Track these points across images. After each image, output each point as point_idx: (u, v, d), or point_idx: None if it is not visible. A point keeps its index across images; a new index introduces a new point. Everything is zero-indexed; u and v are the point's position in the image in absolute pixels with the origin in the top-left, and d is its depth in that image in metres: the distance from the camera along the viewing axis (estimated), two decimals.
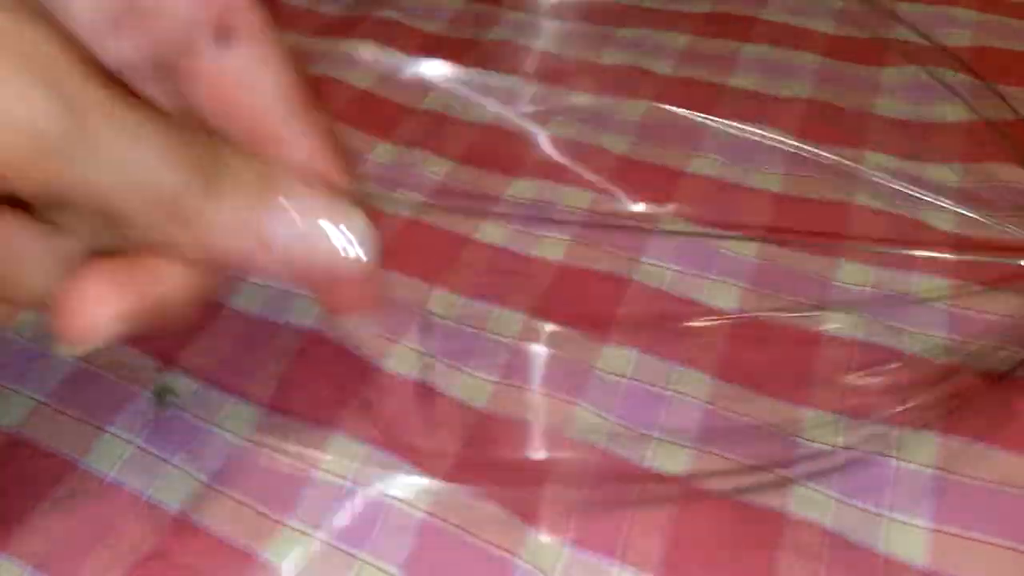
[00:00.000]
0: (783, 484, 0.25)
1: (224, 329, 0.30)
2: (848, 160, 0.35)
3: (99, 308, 0.17)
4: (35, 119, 0.14)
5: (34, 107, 0.14)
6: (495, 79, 0.41)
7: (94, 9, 0.17)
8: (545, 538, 0.24)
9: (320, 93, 0.20)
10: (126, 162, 0.15)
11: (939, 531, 0.23)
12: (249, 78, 0.19)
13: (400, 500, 0.25)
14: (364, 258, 0.18)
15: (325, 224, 0.17)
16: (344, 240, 0.17)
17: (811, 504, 0.24)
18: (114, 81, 0.15)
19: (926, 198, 0.33)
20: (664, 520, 0.24)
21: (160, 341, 0.29)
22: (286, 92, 0.19)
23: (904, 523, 0.24)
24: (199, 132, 0.17)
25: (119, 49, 0.18)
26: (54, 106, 0.14)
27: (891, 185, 0.33)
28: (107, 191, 0.15)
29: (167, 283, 0.18)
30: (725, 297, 0.30)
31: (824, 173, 0.34)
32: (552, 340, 0.29)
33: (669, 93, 0.39)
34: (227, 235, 0.17)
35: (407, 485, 0.25)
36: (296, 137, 0.19)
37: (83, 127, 0.14)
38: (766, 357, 0.28)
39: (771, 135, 0.36)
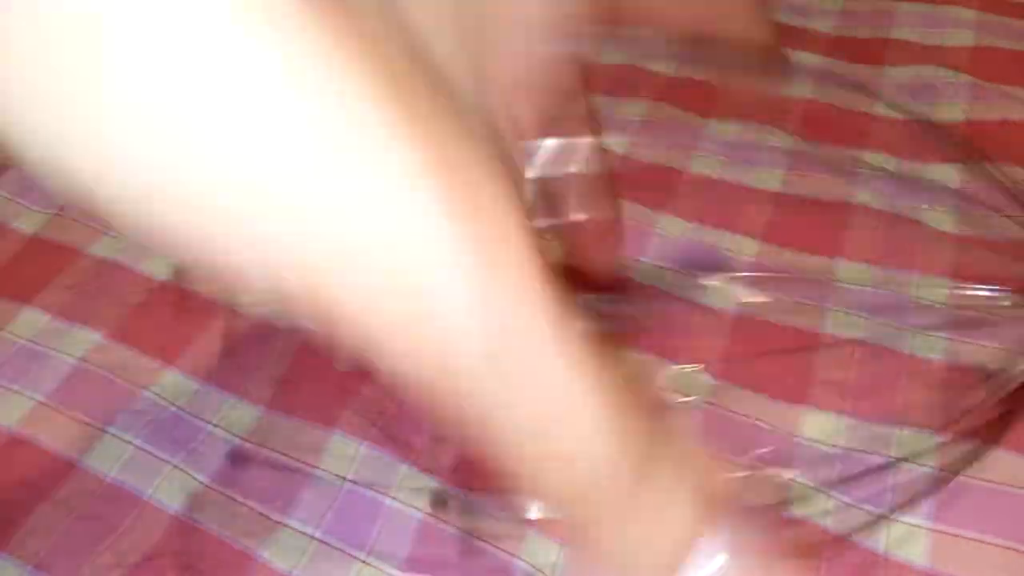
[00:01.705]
0: (784, 484, 0.25)
1: (224, 329, 0.30)
2: (848, 160, 0.35)
3: None
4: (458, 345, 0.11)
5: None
6: None
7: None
8: (545, 538, 0.24)
9: None
10: (544, 416, 0.12)
11: (939, 531, 0.23)
12: None
13: (400, 500, 0.25)
14: None
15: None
16: None
17: (812, 504, 0.24)
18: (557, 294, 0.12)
19: (926, 198, 0.33)
20: None
21: (160, 341, 0.29)
22: None
23: (904, 523, 0.24)
24: (644, 394, 0.13)
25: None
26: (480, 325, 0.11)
27: (891, 185, 0.33)
28: (500, 431, 0.12)
29: None
30: (725, 297, 0.30)
31: (824, 173, 0.34)
32: None
33: (669, 93, 0.39)
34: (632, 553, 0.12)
35: (407, 485, 0.25)
36: None
37: (509, 358, 0.11)
38: (766, 356, 0.28)
39: (771, 135, 0.36)
